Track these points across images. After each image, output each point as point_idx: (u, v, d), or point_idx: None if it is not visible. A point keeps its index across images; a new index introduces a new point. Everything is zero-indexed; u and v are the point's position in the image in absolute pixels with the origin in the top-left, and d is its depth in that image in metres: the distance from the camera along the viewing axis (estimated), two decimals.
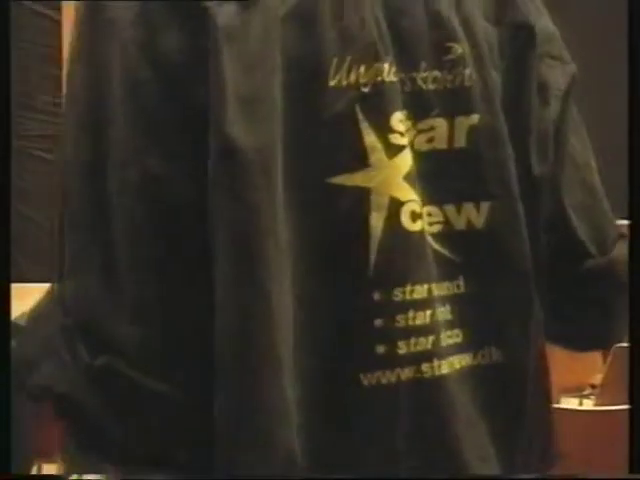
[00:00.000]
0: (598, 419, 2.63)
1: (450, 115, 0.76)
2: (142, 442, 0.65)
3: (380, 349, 0.70)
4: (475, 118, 0.77)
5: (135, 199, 0.65)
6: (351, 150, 0.71)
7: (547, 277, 0.81)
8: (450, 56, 0.77)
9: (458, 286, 0.76)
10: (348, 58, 0.70)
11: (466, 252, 0.76)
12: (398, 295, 0.72)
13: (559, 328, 0.86)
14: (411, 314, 0.72)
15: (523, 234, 0.78)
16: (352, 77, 0.70)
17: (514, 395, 0.80)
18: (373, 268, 0.71)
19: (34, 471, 3.12)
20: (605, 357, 3.77)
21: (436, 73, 0.76)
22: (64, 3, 5.84)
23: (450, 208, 0.76)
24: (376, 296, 0.71)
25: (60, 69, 5.82)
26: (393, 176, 0.71)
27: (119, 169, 0.66)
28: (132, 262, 0.64)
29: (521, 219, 0.78)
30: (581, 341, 0.91)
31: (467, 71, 0.77)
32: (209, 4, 0.65)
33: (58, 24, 5.88)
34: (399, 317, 0.71)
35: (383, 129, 0.72)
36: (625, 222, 1.05)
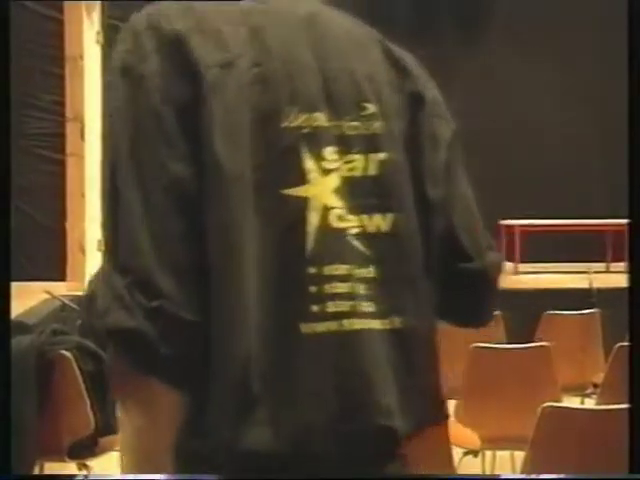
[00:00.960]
0: (600, 418, 2.63)
1: (365, 152, 1.09)
2: (184, 360, 0.97)
3: (314, 308, 1.02)
4: (383, 155, 1.10)
5: (163, 195, 1.00)
6: (296, 171, 1.04)
7: (440, 272, 1.14)
8: (365, 112, 1.10)
9: (369, 272, 1.07)
10: (295, 109, 1.05)
11: (375, 248, 1.08)
12: (326, 270, 1.03)
13: (446, 308, 1.17)
14: (336, 284, 1.04)
15: (416, 237, 1.11)
16: (298, 121, 1.05)
17: (413, 353, 1.11)
18: (310, 251, 1.03)
19: (36, 470, 3.12)
20: (607, 356, 3.78)
21: (355, 124, 1.10)
22: (66, 4, 5.85)
23: (364, 217, 1.08)
24: (311, 270, 1.03)
25: (62, 68, 5.83)
26: (324, 190, 1.05)
27: (156, 171, 1.00)
28: (165, 236, 0.99)
29: (415, 227, 1.11)
30: (461, 318, 1.25)
31: (377, 123, 1.11)
32: (201, 68, 1.01)
33: (61, 24, 5.88)
34: (327, 286, 1.03)
35: (318, 157, 1.06)
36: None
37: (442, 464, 1.27)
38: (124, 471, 1.01)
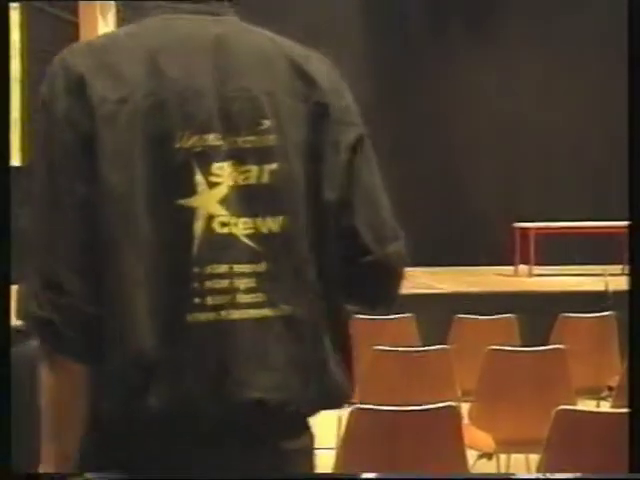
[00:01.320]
0: (615, 421, 2.62)
1: (259, 163, 1.27)
2: (86, 341, 1.23)
3: (196, 300, 1.23)
4: (275, 165, 1.28)
5: (72, 210, 1.24)
6: (187, 185, 1.24)
7: (344, 264, 1.31)
8: (261, 127, 1.28)
9: (261, 266, 1.26)
10: (187, 132, 1.25)
11: (267, 246, 1.26)
12: (208, 269, 1.24)
13: (354, 295, 1.36)
14: (216, 281, 1.24)
15: (304, 236, 1.28)
16: (189, 143, 1.25)
17: (301, 337, 1.28)
18: (195, 253, 1.24)
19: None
20: (623, 359, 3.76)
21: (251, 138, 1.27)
22: (81, 5, 5.89)
23: (258, 220, 1.27)
24: (195, 269, 1.24)
25: None
26: (210, 200, 1.25)
27: (65, 192, 1.24)
28: (72, 245, 1.24)
29: (304, 227, 1.28)
30: (367, 303, 1.47)
31: (271, 136, 1.28)
32: (97, 104, 1.23)
33: (76, 27, 5.91)
34: (208, 282, 1.24)
35: (206, 172, 1.25)
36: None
37: None
38: (44, 429, 1.27)
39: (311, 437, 1.37)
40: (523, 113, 7.99)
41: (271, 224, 1.28)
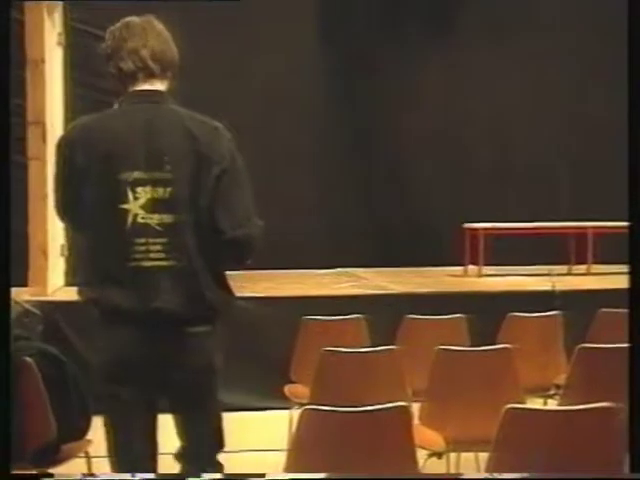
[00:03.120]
0: (562, 419, 2.66)
1: (164, 187, 2.47)
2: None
3: (131, 256, 2.47)
4: (171, 188, 2.48)
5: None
6: (124, 197, 2.47)
7: (214, 240, 2.49)
8: (165, 168, 2.47)
9: (163, 240, 2.46)
10: (126, 169, 2.47)
11: (167, 229, 2.47)
12: (135, 241, 2.46)
13: (222, 258, 2.53)
14: (139, 247, 2.46)
15: (189, 224, 2.47)
16: (125, 175, 2.47)
17: (185, 277, 2.48)
18: (127, 232, 2.47)
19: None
20: (569, 358, 3.81)
21: (159, 173, 2.46)
22: (26, 5, 5.79)
23: (163, 215, 2.47)
24: (128, 240, 2.47)
25: (23, 71, 5.76)
26: (135, 206, 2.45)
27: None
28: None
29: (188, 219, 2.47)
30: (229, 263, 2.57)
31: (169, 173, 2.47)
32: (80, 158, 2.55)
33: (22, 26, 5.82)
34: (134, 247, 2.46)
35: (133, 191, 2.47)
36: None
37: None
38: None
39: (211, 326, 2.53)
40: (474, 113, 8.04)
41: (168, 218, 2.47)
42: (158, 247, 2.44)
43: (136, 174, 2.43)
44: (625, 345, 3.57)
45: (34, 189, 5.76)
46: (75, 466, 3.28)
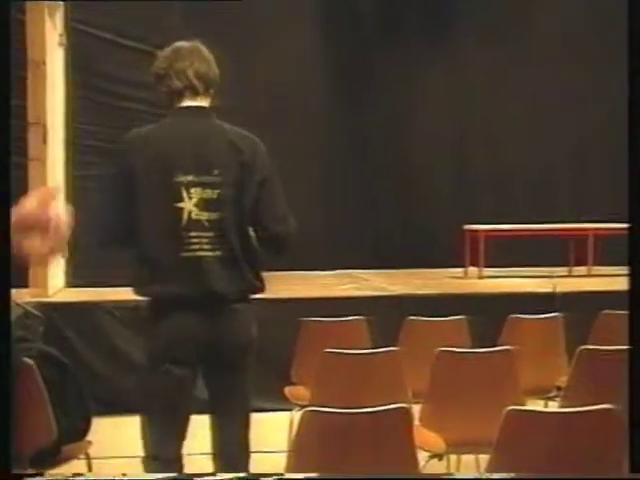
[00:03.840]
0: (563, 421, 2.66)
1: (212, 189, 2.91)
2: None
3: (185, 247, 2.90)
4: (219, 190, 2.92)
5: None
6: (179, 197, 2.89)
7: (258, 234, 3.00)
8: (214, 173, 2.91)
9: (211, 234, 2.90)
10: (179, 173, 2.91)
11: (214, 224, 2.91)
12: (190, 233, 2.89)
13: (263, 248, 3.01)
14: (192, 239, 2.89)
15: (234, 222, 2.93)
16: (179, 178, 2.89)
17: (231, 265, 2.94)
18: (182, 226, 2.89)
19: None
20: (570, 360, 3.81)
21: (208, 177, 2.90)
22: (28, 5, 5.79)
23: (211, 213, 2.91)
24: (183, 233, 2.89)
25: (25, 71, 5.76)
26: (189, 205, 2.88)
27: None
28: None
29: (233, 217, 2.93)
30: (270, 252, 3.04)
31: (218, 178, 2.92)
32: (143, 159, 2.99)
33: (23, 25, 5.81)
34: (188, 239, 2.90)
35: (187, 192, 2.89)
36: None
37: None
38: None
39: (248, 303, 3.00)
40: (474, 116, 8.05)
41: (217, 215, 2.90)
42: (208, 240, 2.86)
43: (190, 177, 2.84)
44: (627, 347, 3.58)
45: (34, 190, 5.75)
46: (76, 467, 3.28)
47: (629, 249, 2.59)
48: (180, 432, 2.97)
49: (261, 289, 3.01)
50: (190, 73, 2.91)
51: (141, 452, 3.00)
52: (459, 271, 7.38)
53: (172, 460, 2.93)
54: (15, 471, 2.23)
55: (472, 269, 7.36)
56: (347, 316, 4.48)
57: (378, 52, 7.94)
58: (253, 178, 2.89)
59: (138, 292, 2.96)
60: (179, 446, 2.98)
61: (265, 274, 3.07)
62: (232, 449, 3.01)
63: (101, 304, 5.61)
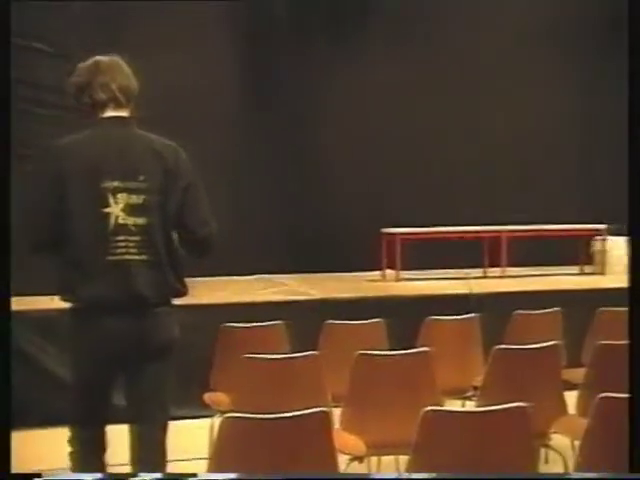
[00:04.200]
0: (480, 419, 2.70)
1: (138, 194, 3.02)
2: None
3: (111, 250, 2.97)
4: (144, 195, 3.02)
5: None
6: (105, 203, 2.99)
7: (181, 239, 3.11)
8: (139, 179, 3.02)
9: (137, 238, 3.00)
10: (106, 179, 2.99)
11: (140, 229, 3.01)
12: (116, 238, 2.98)
13: (186, 251, 3.13)
14: (119, 243, 2.98)
15: (159, 226, 3.04)
16: (106, 184, 2.99)
17: (154, 269, 3.03)
18: (109, 231, 2.98)
19: None
20: (486, 359, 3.88)
21: (134, 183, 3.01)
22: None
23: (137, 218, 3.01)
24: (110, 238, 2.97)
25: None
26: (116, 210, 2.99)
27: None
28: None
29: (158, 221, 3.03)
30: (193, 254, 3.17)
31: (144, 184, 3.03)
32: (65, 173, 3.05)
33: None
34: (115, 243, 2.98)
35: (114, 198, 2.99)
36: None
37: None
38: None
39: (169, 307, 3.09)
40: (391, 118, 8.11)
41: (143, 220, 3.00)
42: (134, 244, 2.98)
43: (116, 183, 2.98)
44: (540, 345, 3.67)
45: None
46: None
47: (630, 250, 2.68)
48: (101, 440, 3.09)
49: (184, 293, 3.12)
50: (114, 86, 3.09)
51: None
52: (377, 274, 7.45)
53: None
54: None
55: (389, 272, 7.43)
56: (266, 321, 4.47)
57: (289, 56, 7.95)
58: (177, 184, 3.04)
59: (64, 296, 3.04)
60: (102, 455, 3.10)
61: (186, 280, 3.07)
62: (150, 453, 3.07)
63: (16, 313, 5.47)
